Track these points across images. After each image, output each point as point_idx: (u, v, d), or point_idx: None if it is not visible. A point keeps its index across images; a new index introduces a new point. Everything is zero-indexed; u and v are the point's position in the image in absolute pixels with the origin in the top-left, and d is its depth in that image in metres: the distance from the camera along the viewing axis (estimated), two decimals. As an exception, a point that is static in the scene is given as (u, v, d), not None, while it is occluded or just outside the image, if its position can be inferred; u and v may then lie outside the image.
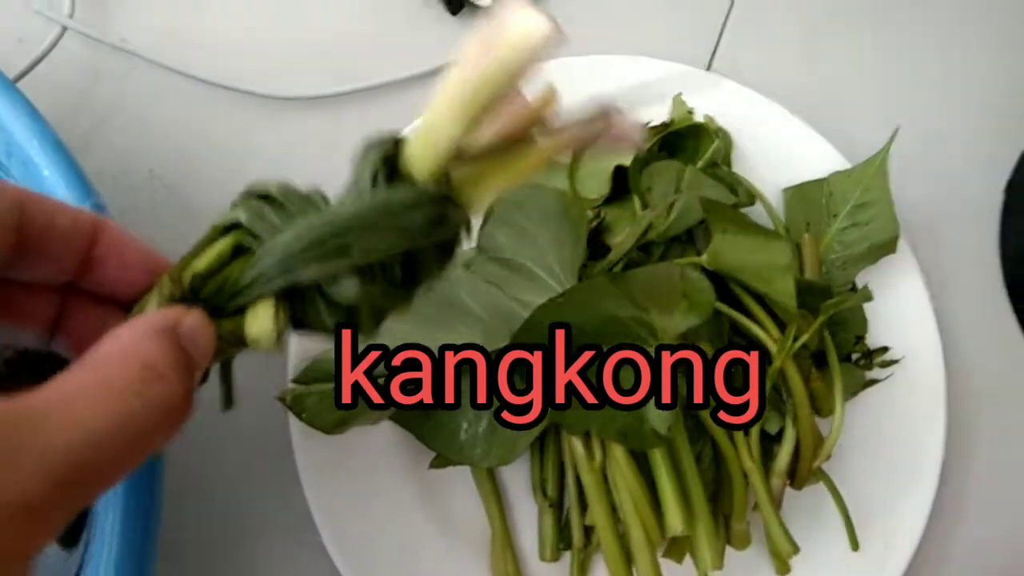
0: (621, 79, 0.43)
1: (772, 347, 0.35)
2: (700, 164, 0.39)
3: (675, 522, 0.32)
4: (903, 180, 0.42)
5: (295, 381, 0.35)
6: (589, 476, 0.34)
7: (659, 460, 0.33)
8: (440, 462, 0.38)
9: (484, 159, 0.25)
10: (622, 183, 0.39)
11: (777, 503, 0.36)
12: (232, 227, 0.24)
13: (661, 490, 0.33)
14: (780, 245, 0.34)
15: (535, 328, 0.33)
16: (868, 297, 0.38)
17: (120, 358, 0.20)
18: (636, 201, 0.38)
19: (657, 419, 0.31)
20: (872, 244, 0.40)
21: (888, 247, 0.40)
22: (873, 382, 0.40)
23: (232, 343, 0.24)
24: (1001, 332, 0.44)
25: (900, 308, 0.41)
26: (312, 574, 0.38)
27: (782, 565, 0.38)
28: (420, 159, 0.24)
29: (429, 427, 0.36)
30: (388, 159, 0.25)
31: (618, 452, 0.34)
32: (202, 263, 0.24)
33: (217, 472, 0.39)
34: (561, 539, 0.38)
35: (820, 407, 0.38)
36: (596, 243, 0.39)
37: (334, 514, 0.36)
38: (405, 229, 0.24)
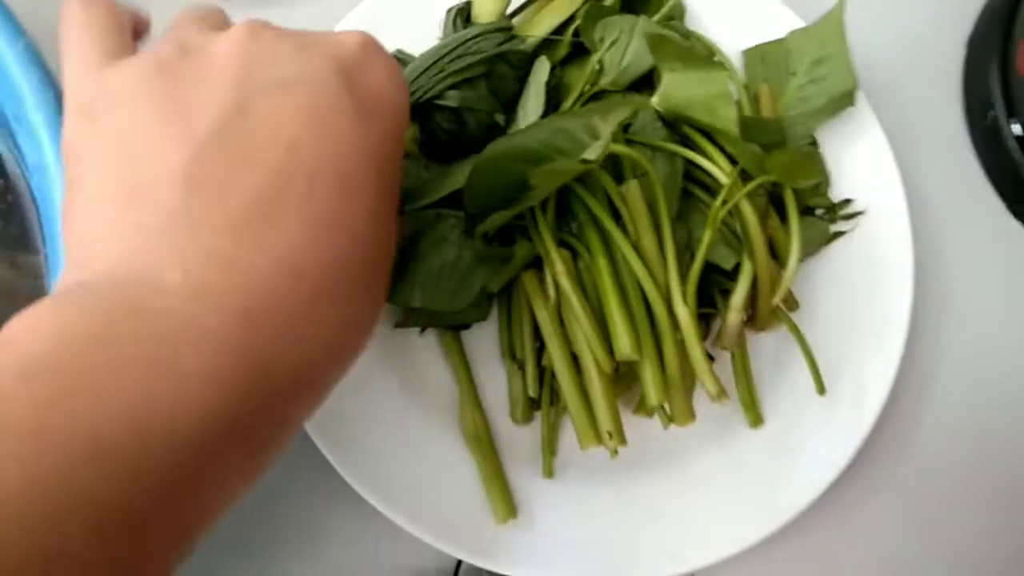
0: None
1: (725, 181, 0.35)
2: (656, 18, 0.39)
3: (624, 345, 0.32)
4: (863, 40, 0.41)
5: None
6: (543, 313, 0.35)
7: (609, 290, 0.33)
8: (403, 319, 0.38)
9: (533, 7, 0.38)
10: (581, 45, 0.40)
11: (736, 342, 0.36)
12: None
13: (609, 318, 0.33)
14: (721, 75, 0.34)
15: (487, 161, 0.33)
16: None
17: None
18: (592, 58, 0.39)
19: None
20: (830, 97, 0.40)
21: (846, 99, 0.40)
22: (838, 235, 0.40)
23: None
24: (967, 185, 0.43)
25: (863, 163, 0.41)
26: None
27: (754, 417, 0.38)
28: (485, 11, 0.37)
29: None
30: (463, 12, 0.38)
31: (569, 288, 0.34)
32: None
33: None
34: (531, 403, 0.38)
35: (780, 256, 0.38)
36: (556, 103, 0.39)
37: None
38: (479, 52, 0.35)
